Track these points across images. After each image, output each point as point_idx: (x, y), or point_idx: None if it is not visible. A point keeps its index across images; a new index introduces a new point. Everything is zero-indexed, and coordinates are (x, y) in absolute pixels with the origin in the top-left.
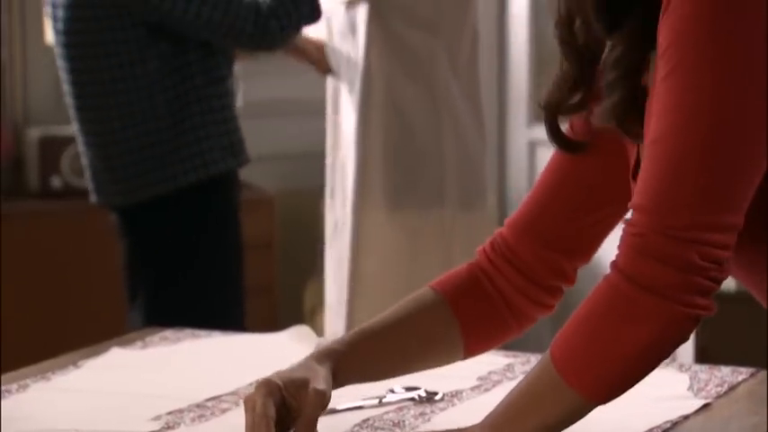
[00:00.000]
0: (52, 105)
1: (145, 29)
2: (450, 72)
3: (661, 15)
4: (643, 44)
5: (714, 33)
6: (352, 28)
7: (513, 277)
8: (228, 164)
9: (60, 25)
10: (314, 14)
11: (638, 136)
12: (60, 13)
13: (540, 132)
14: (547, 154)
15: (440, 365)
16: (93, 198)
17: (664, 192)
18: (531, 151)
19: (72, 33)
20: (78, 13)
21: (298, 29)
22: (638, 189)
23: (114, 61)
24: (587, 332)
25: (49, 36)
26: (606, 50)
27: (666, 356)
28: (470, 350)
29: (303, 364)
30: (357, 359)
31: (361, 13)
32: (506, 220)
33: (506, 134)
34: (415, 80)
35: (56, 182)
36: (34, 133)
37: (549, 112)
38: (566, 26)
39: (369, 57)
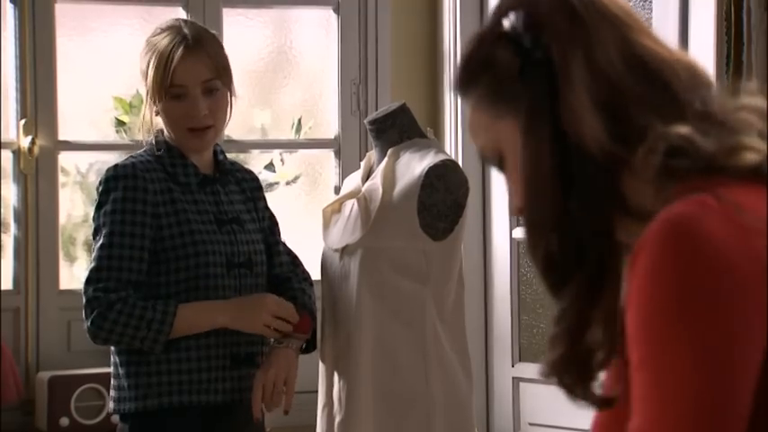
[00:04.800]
0: (63, 349)
1: None
2: (438, 318)
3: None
4: (587, 303)
5: (676, 326)
6: (346, 275)
7: None
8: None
9: None
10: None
11: (574, 392)
12: None
13: (523, 370)
14: (529, 389)
15: None
16: None
17: None
18: (515, 387)
19: None
20: None
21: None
22: None
23: None
24: None
25: (62, 283)
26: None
27: None
28: None
29: None
30: None
31: (355, 261)
32: None
33: (491, 372)
34: (404, 324)
35: (64, 422)
36: (44, 376)
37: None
38: None
39: (360, 301)
